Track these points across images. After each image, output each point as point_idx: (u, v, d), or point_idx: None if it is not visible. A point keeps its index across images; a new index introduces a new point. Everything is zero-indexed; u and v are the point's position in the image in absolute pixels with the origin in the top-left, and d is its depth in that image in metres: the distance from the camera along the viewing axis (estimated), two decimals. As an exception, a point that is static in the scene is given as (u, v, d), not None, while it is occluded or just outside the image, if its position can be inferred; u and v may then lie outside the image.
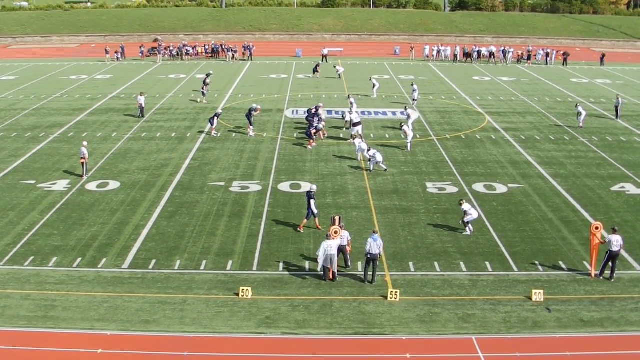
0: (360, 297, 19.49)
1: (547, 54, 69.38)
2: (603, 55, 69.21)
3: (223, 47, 70.65)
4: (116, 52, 68.66)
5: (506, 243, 23.35)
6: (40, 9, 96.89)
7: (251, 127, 37.73)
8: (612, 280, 20.58)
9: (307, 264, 21.58)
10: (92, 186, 29.02)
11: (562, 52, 69.63)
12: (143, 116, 41.81)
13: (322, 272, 20.44)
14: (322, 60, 65.91)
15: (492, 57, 69.44)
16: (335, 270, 20.37)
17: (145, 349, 16.75)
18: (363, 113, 41.94)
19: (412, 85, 48.02)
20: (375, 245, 20.01)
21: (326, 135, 37.03)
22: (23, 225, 24.57)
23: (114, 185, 29.20)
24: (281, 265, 21.53)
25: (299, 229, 24.23)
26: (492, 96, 50.00)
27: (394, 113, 43.65)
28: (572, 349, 16.88)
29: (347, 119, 37.73)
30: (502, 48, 70.76)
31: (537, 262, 21.87)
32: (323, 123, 36.98)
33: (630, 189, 29.29)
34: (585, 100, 48.65)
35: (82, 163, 30.15)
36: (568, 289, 20.12)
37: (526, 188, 29.14)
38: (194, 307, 18.77)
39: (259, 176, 30.46)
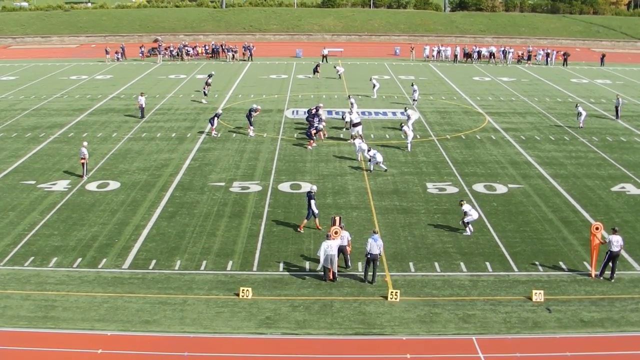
0: (360, 297, 19.49)
1: (547, 54, 69.40)
2: (603, 56, 69.23)
3: (223, 47, 70.65)
4: (116, 53, 68.67)
5: (506, 243, 23.35)
6: (40, 9, 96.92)
7: (251, 128, 37.74)
8: (612, 281, 20.58)
9: (307, 264, 21.59)
10: (92, 186, 29.02)
11: (562, 53, 69.64)
12: (143, 116, 41.83)
13: (322, 272, 20.44)
14: (322, 61, 65.92)
15: (492, 57, 69.45)
16: (336, 271, 20.38)
17: (145, 349, 16.75)
18: (363, 113, 41.95)
19: (413, 85, 48.04)
20: (375, 245, 20.02)
21: (326, 136, 37.03)
22: (23, 226, 24.58)
23: (114, 185, 29.20)
24: (281, 265, 21.53)
25: (299, 229, 24.23)
26: (492, 96, 50.01)
27: (394, 113, 43.65)
28: (573, 349, 16.88)
29: (347, 119, 37.74)
30: (502, 48, 70.77)
31: (537, 263, 21.87)
32: (323, 123, 36.99)
33: (631, 189, 29.29)
34: (585, 100, 48.66)
35: (83, 163, 30.16)
36: (568, 289, 20.12)
37: (526, 188, 29.15)
38: (194, 307, 18.77)
39: (259, 176, 30.46)
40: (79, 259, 21.80)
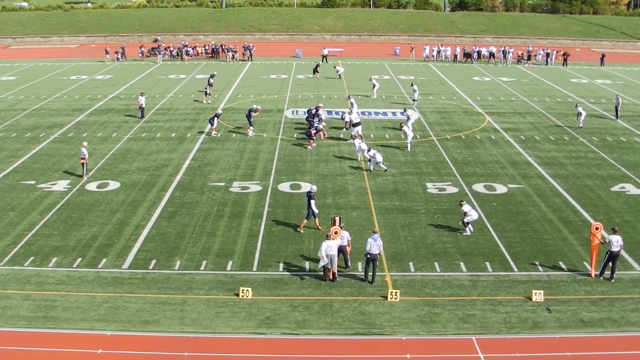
0: (360, 297, 19.49)
1: (547, 54, 69.40)
2: (603, 56, 69.24)
3: (223, 47, 70.65)
4: (116, 53, 68.67)
5: (506, 243, 23.35)
6: (40, 9, 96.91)
7: (251, 128, 37.74)
8: (612, 281, 20.58)
9: (307, 265, 21.59)
10: (92, 186, 29.02)
11: (562, 53, 69.63)
12: (143, 116, 41.82)
13: (322, 272, 20.44)
14: (322, 61, 65.91)
15: (492, 57, 69.45)
16: (335, 271, 20.38)
17: (145, 349, 16.75)
18: (363, 113, 41.95)
19: (412, 85, 48.04)
20: (375, 245, 20.02)
21: (326, 136, 37.03)
22: (23, 226, 24.58)
23: (114, 185, 29.20)
24: (281, 265, 21.53)
25: (299, 229, 24.23)
26: (492, 96, 50.01)
27: (394, 113, 43.65)
28: (572, 349, 16.88)
29: (347, 119, 37.75)
30: (502, 48, 70.78)
31: (537, 263, 21.87)
32: (323, 123, 36.99)
33: (630, 189, 29.29)
34: (585, 100, 48.66)
35: (82, 163, 30.15)
36: (568, 289, 20.12)
37: (526, 188, 29.15)
38: (194, 307, 18.77)
39: (259, 176, 30.46)
40: (79, 259, 21.80)
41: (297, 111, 43.87)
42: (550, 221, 25.44)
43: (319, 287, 20.07)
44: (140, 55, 70.03)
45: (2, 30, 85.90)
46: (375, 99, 48.13)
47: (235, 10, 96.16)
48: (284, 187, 29.07)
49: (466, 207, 24.07)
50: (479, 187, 29.18)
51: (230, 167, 31.87)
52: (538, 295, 19.26)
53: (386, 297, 19.29)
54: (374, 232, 20.90)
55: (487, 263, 21.78)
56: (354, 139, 34.22)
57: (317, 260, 20.69)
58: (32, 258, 21.84)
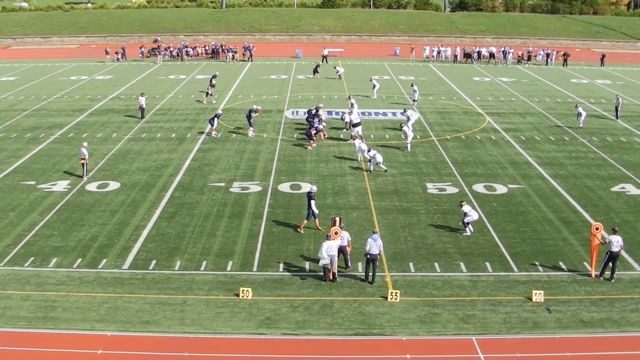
0: (360, 297, 19.49)
1: (547, 55, 69.41)
2: (603, 56, 69.24)
3: (223, 47, 70.65)
4: (116, 53, 68.67)
5: (506, 244, 23.36)
6: (40, 9, 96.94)
7: (251, 128, 37.74)
8: (612, 281, 20.58)
9: (307, 265, 21.59)
10: (92, 187, 29.02)
11: (562, 53, 69.65)
12: (143, 117, 41.82)
13: (322, 272, 20.44)
14: (322, 61, 65.91)
15: (492, 57, 69.45)
16: (336, 271, 20.39)
17: (145, 349, 16.76)
18: (363, 114, 41.94)
19: (412, 86, 48.04)
20: (375, 245, 20.02)
21: (326, 136, 37.03)
22: (23, 226, 24.58)
23: (114, 185, 29.20)
24: (281, 265, 21.53)
25: (299, 230, 24.23)
26: (492, 97, 50.01)
27: (394, 114, 43.66)
28: (572, 350, 16.88)
29: (347, 119, 37.75)
30: (502, 49, 70.79)
31: (537, 263, 21.87)
32: (323, 124, 37.00)
33: (631, 189, 29.30)
34: (585, 100, 48.66)
35: (82, 164, 30.16)
36: (568, 289, 20.12)
37: (526, 189, 29.15)
38: (194, 307, 18.77)
39: (259, 177, 30.46)
40: (79, 260, 21.80)
41: (297, 111, 43.87)
42: (550, 221, 25.44)
43: (319, 287, 20.08)
44: (141, 55, 70.04)
45: (2, 31, 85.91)
46: (375, 100, 48.13)
47: (235, 10, 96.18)
48: (284, 187, 29.07)
49: (466, 208, 24.07)
50: (479, 188, 29.18)
51: (231, 167, 31.87)
52: (538, 296, 19.26)
53: (386, 298, 19.29)
54: (374, 233, 20.90)
55: (487, 263, 21.78)
56: (354, 140, 34.23)
57: (317, 261, 20.69)
58: (32, 258, 21.84)
